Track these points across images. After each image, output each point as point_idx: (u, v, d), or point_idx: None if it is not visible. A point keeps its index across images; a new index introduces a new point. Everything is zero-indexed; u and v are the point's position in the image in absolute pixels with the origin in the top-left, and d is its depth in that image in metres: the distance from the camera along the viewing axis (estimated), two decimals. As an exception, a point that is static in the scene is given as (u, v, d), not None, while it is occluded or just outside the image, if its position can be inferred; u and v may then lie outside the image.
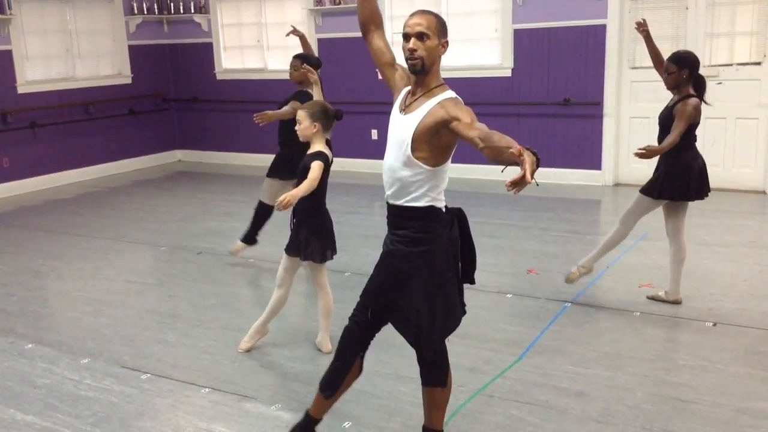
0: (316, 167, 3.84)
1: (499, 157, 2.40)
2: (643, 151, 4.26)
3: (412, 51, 2.68)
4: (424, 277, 2.78)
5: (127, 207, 8.19)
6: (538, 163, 2.24)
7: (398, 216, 2.82)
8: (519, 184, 2.20)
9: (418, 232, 2.77)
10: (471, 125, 2.55)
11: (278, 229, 5.98)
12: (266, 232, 5.87)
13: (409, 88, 2.83)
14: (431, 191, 2.75)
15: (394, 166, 2.77)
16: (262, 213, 5.79)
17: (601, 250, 4.78)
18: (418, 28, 2.68)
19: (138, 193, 8.94)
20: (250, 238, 5.86)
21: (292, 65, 5.47)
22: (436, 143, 2.69)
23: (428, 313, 2.80)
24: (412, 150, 2.69)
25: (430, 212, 2.77)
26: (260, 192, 5.81)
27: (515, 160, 2.26)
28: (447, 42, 2.76)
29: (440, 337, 2.89)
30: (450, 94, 2.73)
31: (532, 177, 2.19)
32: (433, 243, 2.78)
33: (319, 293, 4.18)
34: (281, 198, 3.69)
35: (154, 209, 8.06)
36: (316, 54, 9.50)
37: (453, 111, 2.63)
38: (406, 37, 2.71)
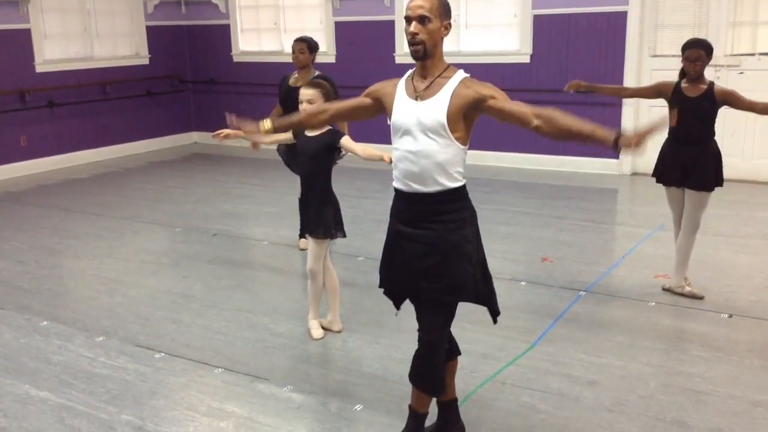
0: (350, 139, 3.89)
1: (577, 138, 2.58)
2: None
3: (414, 35, 2.68)
4: (473, 248, 2.82)
5: (143, 188, 8.22)
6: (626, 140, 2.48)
7: (436, 202, 2.75)
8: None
9: (463, 210, 2.80)
10: (509, 101, 2.66)
11: (291, 212, 5.99)
12: (280, 215, 5.88)
13: (407, 77, 2.81)
14: (462, 168, 2.78)
15: (428, 151, 2.69)
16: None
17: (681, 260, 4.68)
18: (419, 11, 2.67)
19: (154, 174, 8.98)
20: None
21: (297, 49, 5.43)
22: (467, 122, 2.72)
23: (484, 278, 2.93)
24: (451, 130, 2.69)
25: (464, 189, 2.81)
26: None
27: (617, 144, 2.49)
28: (450, 24, 2.74)
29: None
30: (462, 74, 2.76)
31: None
32: (473, 220, 2.84)
33: (325, 273, 4.17)
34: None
35: (170, 190, 8.09)
36: (333, 38, 9.50)
37: (482, 90, 2.68)
38: (408, 20, 2.70)
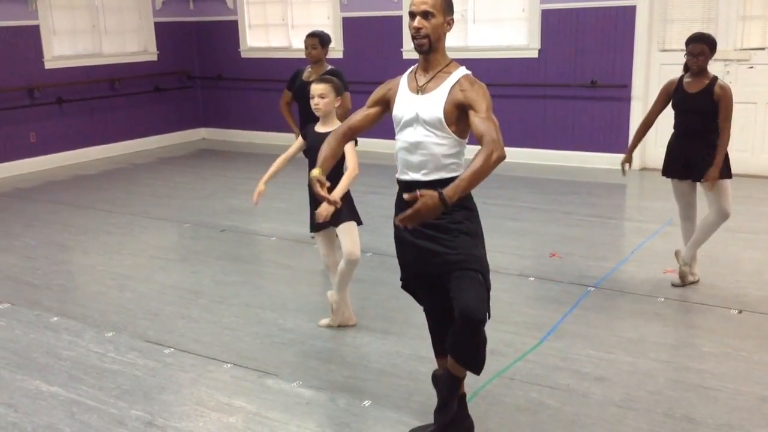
0: (352, 149, 3.90)
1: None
2: (714, 178, 4.35)
3: (418, 29, 2.74)
4: (476, 236, 2.86)
5: (151, 183, 8.25)
6: (437, 209, 2.48)
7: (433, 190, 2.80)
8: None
9: (460, 199, 2.76)
10: (484, 119, 2.65)
11: (299, 208, 5.99)
12: (288, 211, 5.89)
13: (410, 72, 2.89)
14: (459, 160, 2.82)
15: (425, 143, 2.78)
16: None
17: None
18: (423, 7, 2.74)
19: (162, 170, 9.00)
20: None
21: (309, 44, 5.46)
22: (464, 117, 2.76)
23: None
24: (448, 124, 2.75)
25: None
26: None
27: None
28: (452, 19, 2.82)
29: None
30: (463, 71, 2.80)
31: (402, 221, 2.52)
32: (472, 211, 2.87)
33: (336, 268, 4.20)
34: (322, 212, 3.72)
35: (178, 186, 8.11)
36: (341, 33, 9.49)
37: (470, 96, 2.71)
38: (412, 15, 2.77)
